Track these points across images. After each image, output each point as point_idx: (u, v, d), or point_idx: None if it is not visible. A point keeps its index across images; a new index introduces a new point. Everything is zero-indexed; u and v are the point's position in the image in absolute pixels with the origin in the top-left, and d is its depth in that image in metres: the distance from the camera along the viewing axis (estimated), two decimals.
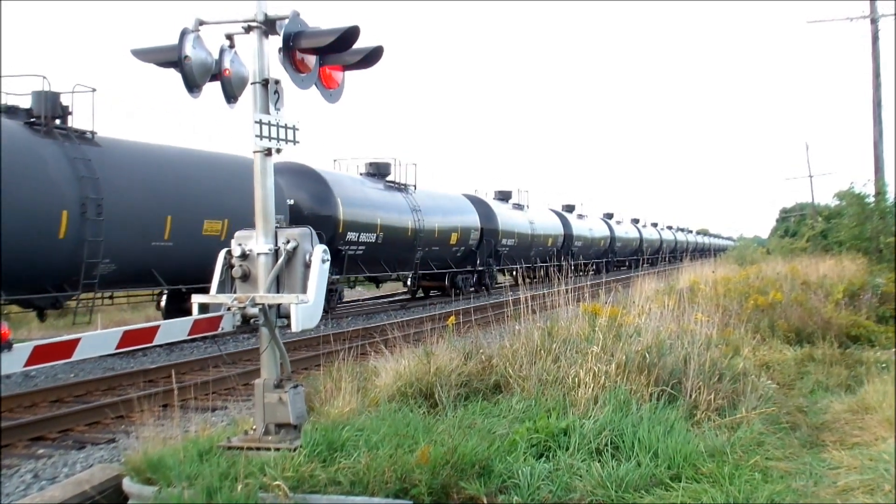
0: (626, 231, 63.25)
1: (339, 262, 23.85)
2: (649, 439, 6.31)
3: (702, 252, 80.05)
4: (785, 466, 6.22)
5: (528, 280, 40.27)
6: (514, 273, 41.73)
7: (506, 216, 38.01)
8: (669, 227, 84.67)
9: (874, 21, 28.17)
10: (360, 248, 24.98)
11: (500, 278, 40.19)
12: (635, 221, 70.74)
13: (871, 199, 27.11)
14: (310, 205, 23.06)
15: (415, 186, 30.34)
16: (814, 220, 39.88)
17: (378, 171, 28.90)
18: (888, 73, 29.21)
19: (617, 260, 59.04)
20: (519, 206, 41.43)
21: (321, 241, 6.45)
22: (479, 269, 35.13)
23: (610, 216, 62.89)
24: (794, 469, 6.17)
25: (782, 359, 10.88)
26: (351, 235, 24.25)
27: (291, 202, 22.35)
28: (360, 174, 28.50)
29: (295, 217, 21.74)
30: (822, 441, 7.12)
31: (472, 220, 34.17)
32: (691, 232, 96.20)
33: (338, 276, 24.28)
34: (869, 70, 28.22)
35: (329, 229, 22.36)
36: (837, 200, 34.21)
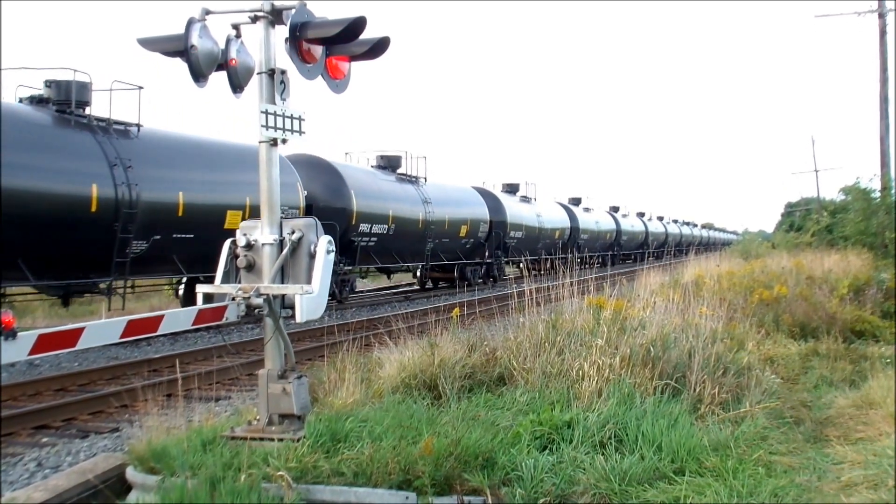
0: (631, 224, 62.68)
1: None
2: (653, 433, 6.30)
3: (707, 246, 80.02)
4: (788, 461, 6.21)
5: (534, 272, 39.17)
6: (521, 265, 42.02)
7: (514, 209, 37.46)
8: (675, 221, 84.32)
9: (882, 16, 28.01)
10: None
11: (507, 270, 39.89)
12: (641, 215, 70.35)
13: (877, 195, 26.98)
14: None
15: (425, 179, 29.75)
16: (819, 215, 39.73)
17: (389, 164, 28.36)
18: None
19: (623, 253, 58.66)
20: (526, 199, 41.07)
21: None
22: (488, 261, 34.55)
23: (616, 209, 62.49)
24: (797, 464, 6.16)
25: (787, 353, 10.86)
26: None
27: None
28: (372, 167, 27.81)
29: None
30: (825, 436, 7.10)
31: (482, 212, 33.53)
32: (696, 226, 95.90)
33: None
34: (876, 65, 28.13)
35: None
36: (843, 195, 34.05)
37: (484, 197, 35.32)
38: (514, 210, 37.70)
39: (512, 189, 40.61)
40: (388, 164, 28.89)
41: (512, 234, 36.80)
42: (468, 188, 35.69)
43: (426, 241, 29.07)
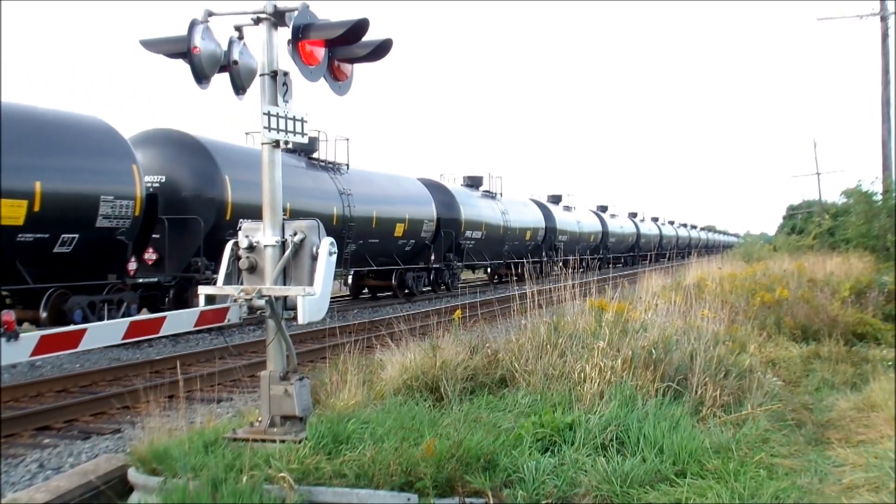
0: (620, 226, 58.84)
1: None
2: (655, 435, 6.30)
3: (708, 248, 79.42)
4: (790, 463, 6.21)
5: (498, 279, 35.84)
6: (487, 271, 38.04)
7: (471, 205, 32.33)
8: (671, 223, 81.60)
9: (884, 19, 28.06)
10: None
11: (470, 275, 37.79)
12: (633, 215, 67.05)
13: (879, 197, 27.01)
14: None
15: (347, 166, 24.60)
16: (821, 218, 39.71)
17: (301, 148, 22.47)
18: None
19: (611, 256, 53.40)
20: (490, 195, 35.64)
21: None
22: (435, 266, 29.50)
23: (604, 209, 58.46)
24: (799, 466, 6.16)
25: (788, 356, 10.85)
26: None
27: None
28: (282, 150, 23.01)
29: None
30: (827, 438, 7.10)
31: (427, 209, 28.52)
32: (695, 227, 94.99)
33: None
34: (878, 68, 28.15)
35: None
36: (845, 198, 34.09)
37: (432, 190, 29.88)
38: (472, 206, 32.50)
39: (474, 183, 35.19)
40: (301, 147, 22.67)
41: (468, 234, 31.52)
42: (410, 179, 29.88)
43: (345, 243, 23.23)
